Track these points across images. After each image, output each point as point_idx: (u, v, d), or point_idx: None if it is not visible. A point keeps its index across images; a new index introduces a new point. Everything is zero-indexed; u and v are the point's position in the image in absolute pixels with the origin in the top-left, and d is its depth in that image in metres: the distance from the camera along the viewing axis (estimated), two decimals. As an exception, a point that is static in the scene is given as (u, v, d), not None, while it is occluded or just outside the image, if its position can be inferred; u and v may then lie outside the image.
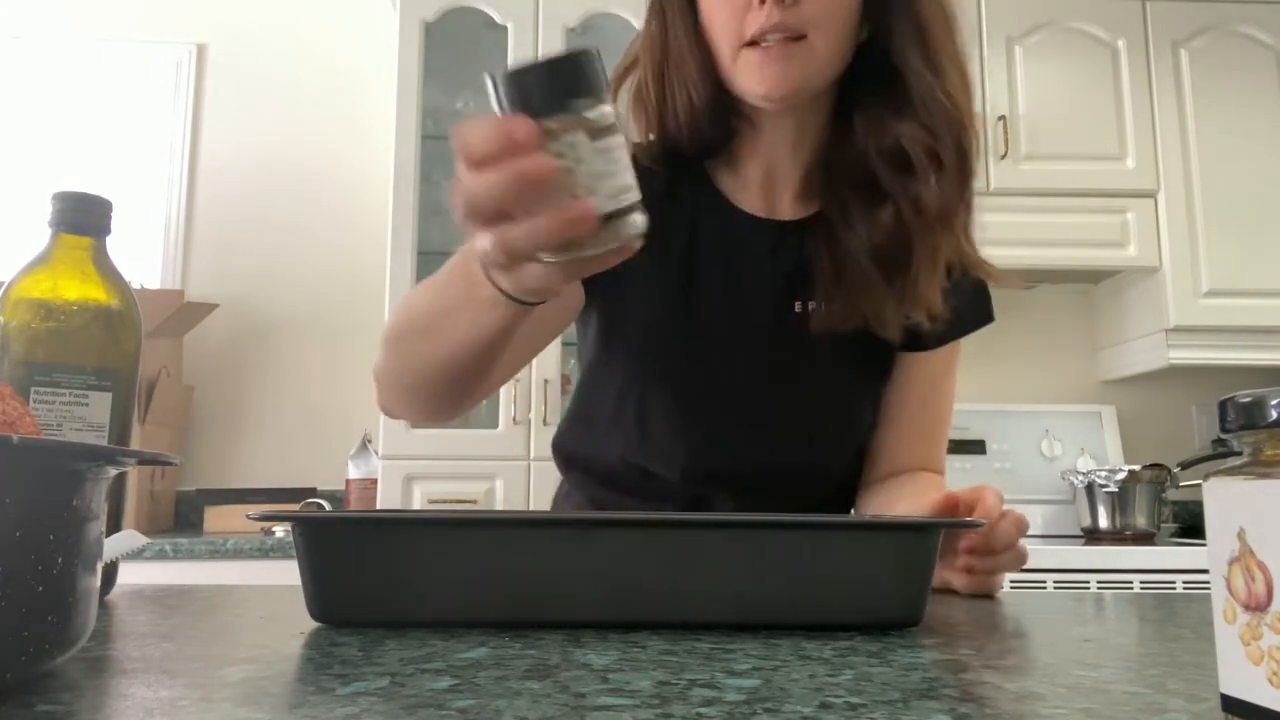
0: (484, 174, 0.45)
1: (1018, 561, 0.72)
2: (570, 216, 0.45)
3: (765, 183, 0.87)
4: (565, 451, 0.97)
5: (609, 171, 0.46)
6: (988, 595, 0.74)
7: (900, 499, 0.87)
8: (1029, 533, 0.73)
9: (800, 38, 0.76)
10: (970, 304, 0.92)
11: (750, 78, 0.78)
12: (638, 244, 0.48)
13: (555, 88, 0.45)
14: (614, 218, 0.47)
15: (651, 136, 0.86)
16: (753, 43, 0.77)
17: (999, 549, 0.70)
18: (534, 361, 2.20)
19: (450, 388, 0.72)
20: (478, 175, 0.46)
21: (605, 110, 0.46)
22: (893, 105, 0.80)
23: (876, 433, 0.95)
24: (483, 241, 0.49)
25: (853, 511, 0.97)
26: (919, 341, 0.88)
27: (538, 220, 0.46)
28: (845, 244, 0.82)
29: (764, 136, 0.85)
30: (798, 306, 0.86)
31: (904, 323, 0.83)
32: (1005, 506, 0.72)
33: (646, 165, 0.83)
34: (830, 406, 0.90)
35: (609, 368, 0.89)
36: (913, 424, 0.94)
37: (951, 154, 0.78)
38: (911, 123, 0.79)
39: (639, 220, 0.47)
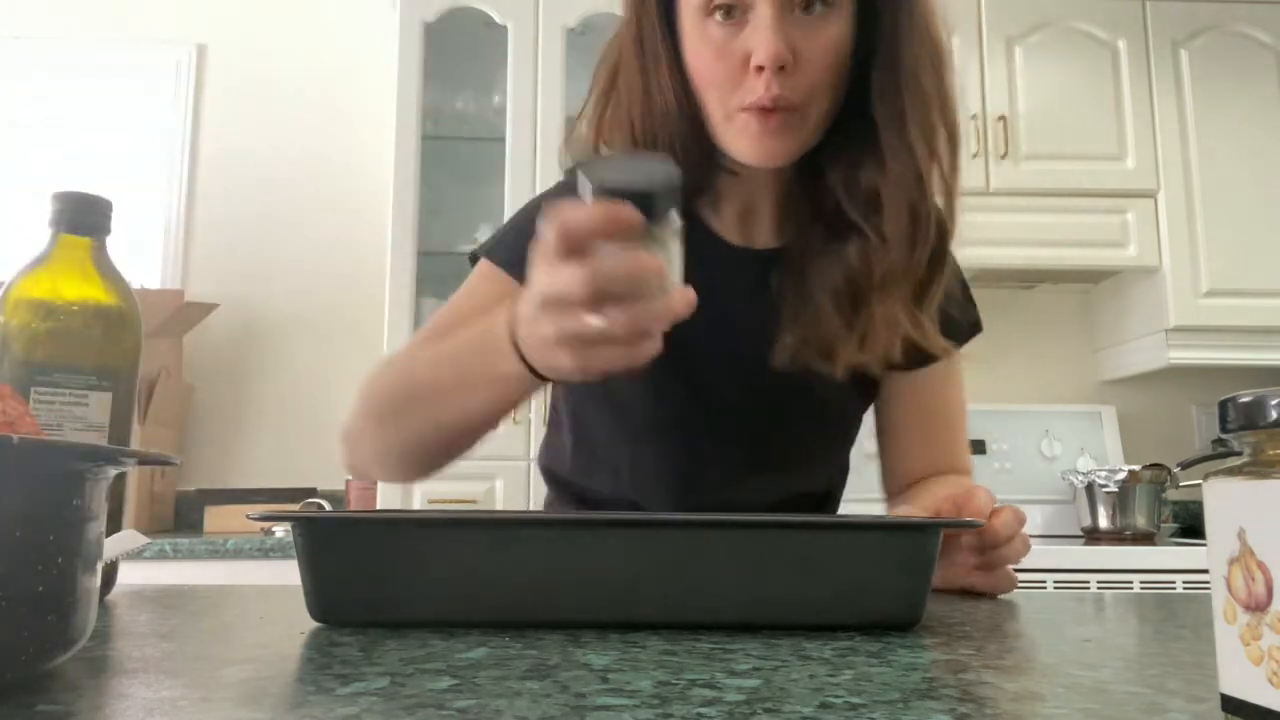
0: (587, 263, 0.47)
1: (1023, 549, 0.72)
2: (676, 309, 0.49)
3: (743, 215, 0.85)
4: (557, 476, 0.96)
5: (676, 274, 0.50)
6: (1003, 591, 0.73)
7: (913, 501, 0.87)
8: (1029, 532, 0.74)
9: (795, 107, 0.72)
10: (960, 315, 0.88)
11: (744, 144, 0.74)
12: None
13: (663, 196, 0.48)
14: None
15: None
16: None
17: (1002, 541, 0.70)
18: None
19: (446, 453, 0.74)
20: (577, 264, 0.48)
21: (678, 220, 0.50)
22: (863, 147, 0.77)
23: (886, 450, 0.95)
24: (562, 323, 0.50)
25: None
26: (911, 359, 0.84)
27: (641, 308, 0.48)
28: (809, 279, 0.79)
29: (745, 180, 0.82)
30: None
31: (855, 365, 0.79)
32: (1001, 503, 0.73)
33: None
34: (818, 433, 0.88)
35: (600, 406, 0.88)
36: (920, 435, 0.93)
37: (904, 219, 0.75)
38: (878, 172, 0.76)
39: None
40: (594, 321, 0.49)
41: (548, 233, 0.49)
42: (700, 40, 0.73)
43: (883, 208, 0.75)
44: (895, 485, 0.96)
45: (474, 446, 0.74)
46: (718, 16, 0.71)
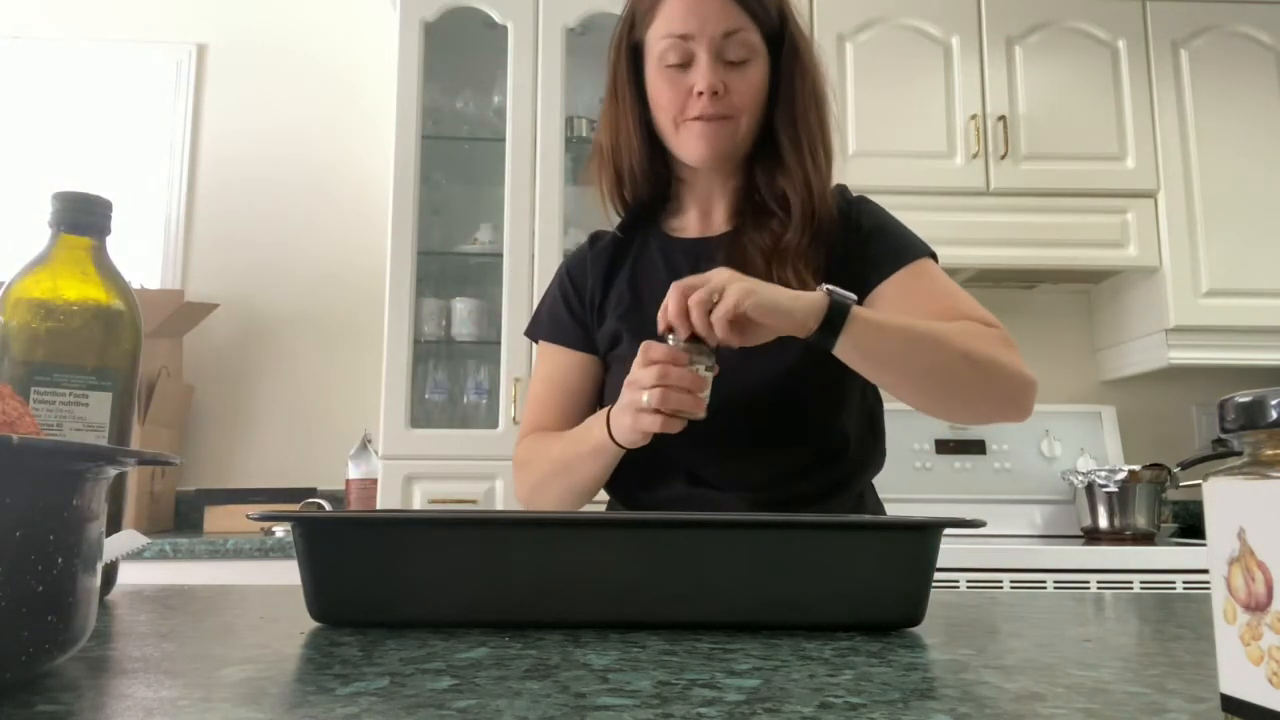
0: (664, 369, 0.85)
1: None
2: (699, 408, 0.87)
3: (702, 213, 1.12)
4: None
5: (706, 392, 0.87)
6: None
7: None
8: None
9: (727, 118, 1.02)
10: (885, 249, 1.05)
11: (689, 147, 1.04)
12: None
13: (708, 354, 0.87)
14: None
15: (620, 211, 1.12)
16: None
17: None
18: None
19: (581, 497, 1.05)
20: (660, 369, 0.85)
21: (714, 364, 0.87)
22: (777, 162, 1.06)
23: None
24: (638, 414, 0.87)
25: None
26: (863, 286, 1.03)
27: (678, 395, 0.85)
28: (747, 246, 1.05)
29: (699, 183, 1.11)
30: None
31: None
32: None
33: (614, 234, 1.13)
34: (763, 365, 0.98)
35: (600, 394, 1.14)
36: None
37: (797, 211, 1.04)
38: (785, 179, 1.06)
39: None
40: (647, 396, 0.85)
41: (645, 351, 0.87)
42: (660, 79, 1.04)
43: (788, 203, 1.05)
44: None
45: (595, 491, 1.05)
46: (673, 66, 1.03)
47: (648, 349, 0.86)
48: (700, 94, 1.00)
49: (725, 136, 1.02)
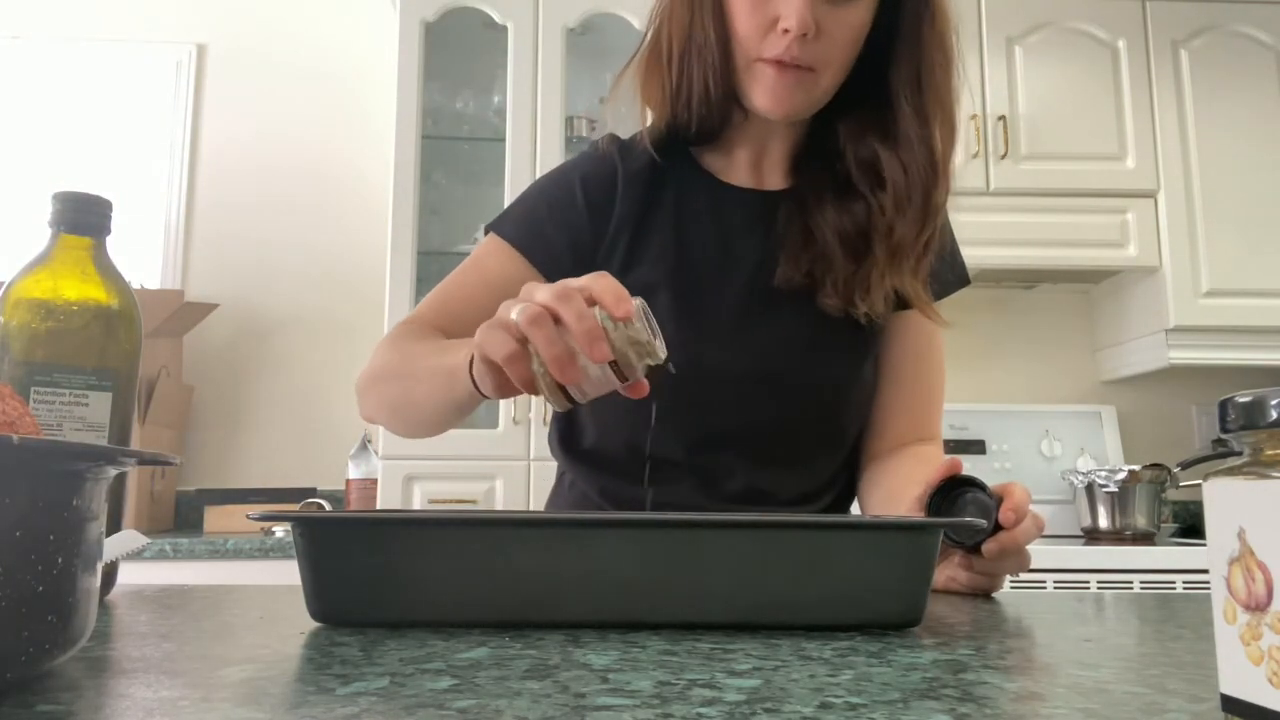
0: (565, 292, 0.56)
1: (1023, 565, 0.73)
2: (571, 374, 0.57)
3: (754, 161, 0.93)
4: (567, 444, 0.97)
5: (632, 372, 0.59)
6: (986, 594, 0.74)
7: (908, 477, 0.87)
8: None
9: (808, 70, 0.82)
10: (949, 267, 0.97)
11: (758, 91, 0.84)
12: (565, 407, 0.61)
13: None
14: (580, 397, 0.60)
15: (660, 123, 0.90)
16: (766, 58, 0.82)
17: (1019, 546, 0.71)
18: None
19: (419, 424, 0.84)
20: (560, 291, 0.57)
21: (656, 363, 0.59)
22: (879, 129, 0.87)
23: (877, 397, 0.97)
24: (490, 330, 0.59)
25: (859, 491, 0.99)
26: (906, 301, 0.91)
27: (560, 349, 0.56)
28: (815, 218, 0.88)
29: (758, 125, 0.91)
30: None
31: (846, 307, 0.88)
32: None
33: (643, 149, 0.91)
34: (824, 363, 0.90)
35: None
36: (909, 386, 0.97)
37: (919, 200, 0.85)
38: (892, 155, 0.86)
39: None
40: (517, 310, 0.57)
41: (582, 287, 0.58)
42: (740, 0, 0.82)
43: (886, 183, 0.86)
44: (877, 446, 0.97)
45: (440, 426, 0.82)
46: None
47: (567, 282, 0.58)
48: (786, 31, 0.79)
49: (801, 93, 0.83)
